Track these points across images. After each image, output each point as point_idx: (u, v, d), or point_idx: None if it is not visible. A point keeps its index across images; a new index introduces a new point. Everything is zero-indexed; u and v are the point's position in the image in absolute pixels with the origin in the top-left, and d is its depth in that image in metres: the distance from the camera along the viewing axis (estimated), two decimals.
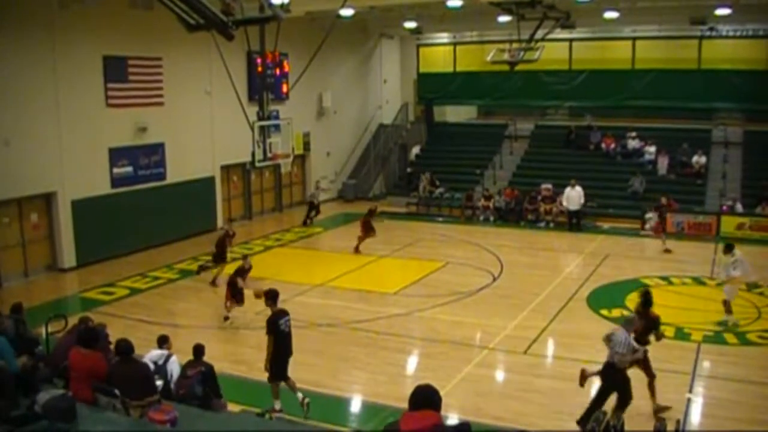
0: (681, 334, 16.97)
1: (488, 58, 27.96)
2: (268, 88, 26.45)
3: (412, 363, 15.83)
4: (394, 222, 30.87)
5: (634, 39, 34.40)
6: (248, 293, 17.06)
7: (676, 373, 14.56)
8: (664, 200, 27.42)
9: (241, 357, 15.58)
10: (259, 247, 26.42)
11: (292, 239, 27.87)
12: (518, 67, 27.84)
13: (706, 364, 15.36)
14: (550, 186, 30.65)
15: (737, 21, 32.27)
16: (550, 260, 24.33)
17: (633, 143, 34.28)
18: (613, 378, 11.61)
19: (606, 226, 29.22)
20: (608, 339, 11.91)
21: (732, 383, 14.22)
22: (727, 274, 17.57)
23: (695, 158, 32.40)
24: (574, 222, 29.00)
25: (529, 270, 23.01)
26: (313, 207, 30.98)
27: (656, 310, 18.26)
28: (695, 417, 13.02)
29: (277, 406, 12.70)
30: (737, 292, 17.69)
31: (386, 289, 20.48)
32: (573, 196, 28.86)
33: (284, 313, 12.86)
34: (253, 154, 18.37)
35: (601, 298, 19.75)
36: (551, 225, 29.78)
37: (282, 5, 16.83)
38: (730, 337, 16.82)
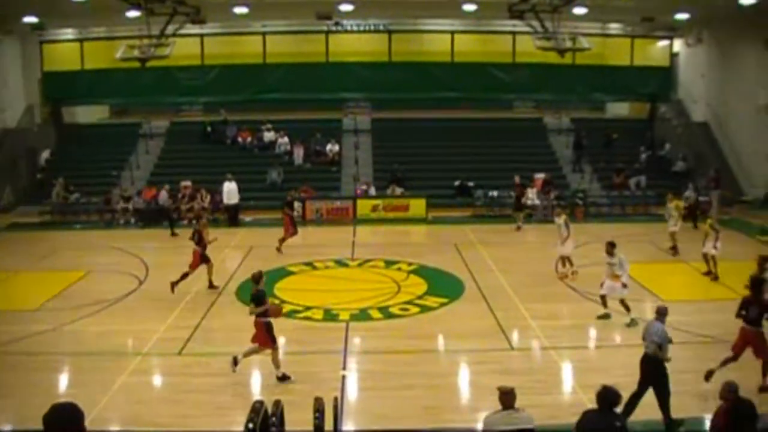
0: (329, 315, 17.66)
1: (118, 55, 27.02)
2: None
3: (63, 380, 14.75)
4: (28, 233, 28.72)
5: (264, 34, 35.10)
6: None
7: (329, 353, 15.15)
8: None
9: None
10: None
11: None
12: (150, 64, 27.17)
13: (356, 340, 16.12)
14: (189, 183, 30.37)
15: (360, 16, 34.23)
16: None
17: (269, 135, 35.07)
18: (649, 370, 11.86)
19: (248, 218, 29.53)
20: (645, 332, 12.16)
21: (381, 355, 15.03)
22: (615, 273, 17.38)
23: (329, 147, 33.92)
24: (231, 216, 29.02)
25: (176, 270, 22.32)
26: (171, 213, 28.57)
27: (303, 295, 19.04)
28: (351, 392, 13.64)
29: None
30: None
31: (27, 306, 18.92)
32: (232, 190, 28.80)
33: None
34: None
35: (250, 290, 19.78)
36: (194, 222, 29.44)
37: None
38: (375, 313, 17.79)
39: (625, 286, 17.15)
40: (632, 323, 16.90)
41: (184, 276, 19.70)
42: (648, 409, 12.52)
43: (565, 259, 21.24)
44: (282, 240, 24.63)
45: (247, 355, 14.12)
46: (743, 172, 33.99)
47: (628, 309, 17.08)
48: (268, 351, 13.97)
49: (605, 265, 17.58)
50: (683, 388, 13.72)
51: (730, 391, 9.77)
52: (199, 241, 20.17)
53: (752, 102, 32.34)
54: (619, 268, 17.15)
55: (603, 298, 17.37)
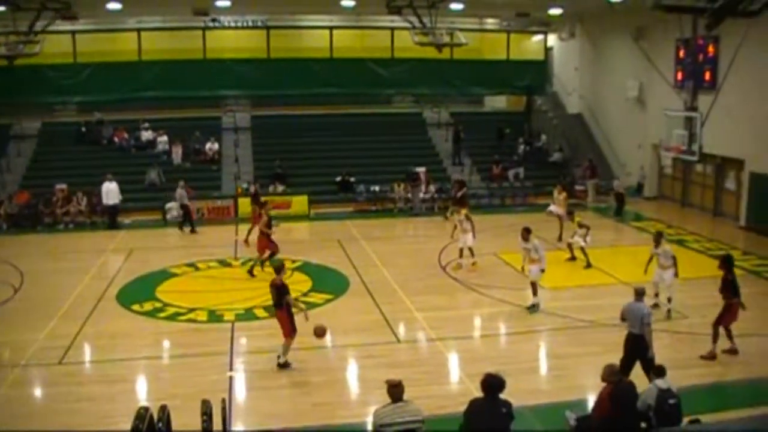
0: (214, 317, 17.47)
1: None
2: None
3: None
4: None
5: (139, 30, 34.21)
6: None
7: (216, 355, 15.02)
8: None
9: None
10: None
11: None
12: (19, 62, 26.18)
13: (242, 341, 16.01)
14: (64, 186, 29.39)
15: (237, 12, 33.88)
16: (77, 262, 23.26)
17: (147, 135, 34.28)
18: (635, 347, 12.60)
19: (128, 220, 28.81)
20: (627, 313, 12.93)
21: (268, 354, 14.95)
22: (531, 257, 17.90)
23: (208, 145, 33.46)
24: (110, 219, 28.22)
25: (53, 276, 21.79)
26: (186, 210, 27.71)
27: (186, 297, 18.77)
28: (240, 393, 13.57)
29: None
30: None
31: None
32: (111, 191, 27.94)
33: None
34: None
35: (132, 294, 19.48)
36: (71, 226, 28.59)
37: None
38: (260, 312, 17.69)
39: (542, 271, 17.69)
40: (533, 309, 17.58)
41: (261, 261, 21.08)
42: (540, 395, 12.94)
43: (462, 250, 21.69)
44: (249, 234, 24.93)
45: (286, 351, 14.32)
46: (617, 161, 35.28)
47: (535, 293, 17.71)
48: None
49: (522, 250, 18.09)
50: (563, 372, 14.26)
51: (612, 373, 10.18)
52: (268, 225, 21.41)
53: (623, 93, 33.58)
54: (534, 252, 17.70)
55: (533, 285, 17.88)
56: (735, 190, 28.09)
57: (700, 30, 20.39)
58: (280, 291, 14.24)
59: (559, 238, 24.45)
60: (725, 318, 14.70)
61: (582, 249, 21.52)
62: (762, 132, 25.34)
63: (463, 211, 21.78)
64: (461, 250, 21.76)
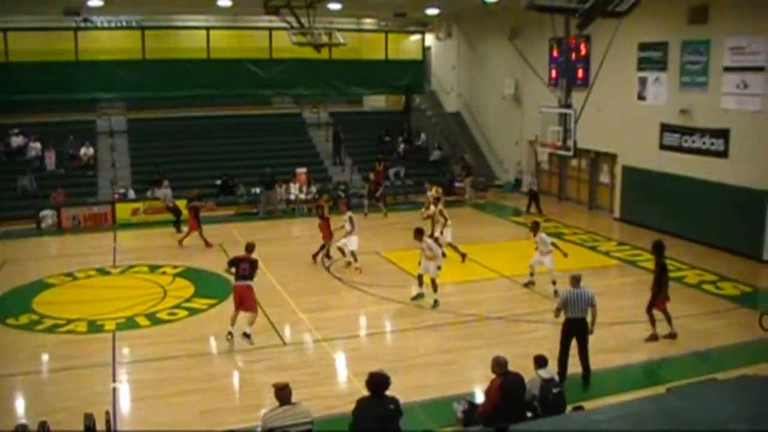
0: (94, 327, 16.92)
1: None
2: None
3: None
4: None
5: (6, 30, 32.72)
6: None
7: (98, 366, 14.56)
8: None
9: None
10: None
11: None
12: None
13: (125, 350, 15.58)
14: None
15: (110, 12, 32.97)
16: None
17: (17, 140, 32.96)
18: (580, 331, 13.19)
19: None
20: (569, 300, 13.19)
21: (152, 363, 14.66)
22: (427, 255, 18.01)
23: (83, 150, 32.42)
24: None
25: None
26: (175, 211, 27.42)
27: (64, 308, 18.18)
28: (124, 404, 13.21)
29: None
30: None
31: None
32: None
33: None
34: None
35: (6, 306, 18.60)
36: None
37: None
38: (142, 320, 17.28)
39: (439, 268, 17.97)
40: (435, 304, 17.88)
41: (323, 248, 22.12)
42: (428, 390, 13.07)
43: (343, 251, 21.67)
44: (185, 235, 25.19)
45: (252, 322, 15.46)
46: (495, 158, 36.08)
47: (435, 289, 18.01)
48: None
49: (419, 249, 18.32)
50: (450, 367, 14.47)
51: (499, 365, 10.41)
52: (323, 215, 22.07)
53: (500, 92, 34.36)
54: (428, 251, 17.93)
55: (420, 277, 18.21)
56: (609, 184, 29.16)
57: (572, 30, 21.01)
58: (254, 265, 15.61)
59: (439, 233, 24.72)
60: (663, 302, 15.32)
61: (450, 244, 21.81)
62: (633, 127, 26.43)
63: (348, 213, 21.74)
64: (341, 250, 21.75)
